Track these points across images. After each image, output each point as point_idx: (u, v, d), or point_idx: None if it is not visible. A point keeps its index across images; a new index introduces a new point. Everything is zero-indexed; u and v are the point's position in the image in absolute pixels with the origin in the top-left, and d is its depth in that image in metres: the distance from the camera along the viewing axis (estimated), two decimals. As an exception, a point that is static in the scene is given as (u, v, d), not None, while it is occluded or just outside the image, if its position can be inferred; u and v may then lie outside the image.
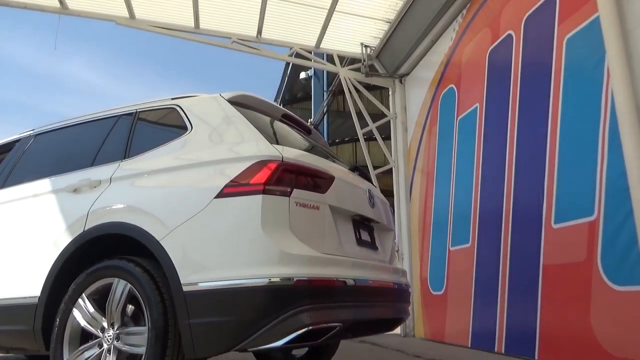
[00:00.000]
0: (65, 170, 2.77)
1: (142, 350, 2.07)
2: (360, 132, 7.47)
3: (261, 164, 2.15)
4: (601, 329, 3.30)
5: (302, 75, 14.94)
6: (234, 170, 2.17)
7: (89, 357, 2.20)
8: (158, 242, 2.14)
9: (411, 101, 7.03)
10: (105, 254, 2.34)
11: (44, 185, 2.78)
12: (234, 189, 2.12)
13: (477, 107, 5.16)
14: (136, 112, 2.82)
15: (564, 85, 3.86)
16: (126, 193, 2.42)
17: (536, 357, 3.87)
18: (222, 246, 2.07)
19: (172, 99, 2.74)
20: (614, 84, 3.19)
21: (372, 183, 3.07)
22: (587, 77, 3.62)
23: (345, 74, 7.32)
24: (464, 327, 4.97)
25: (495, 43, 4.91)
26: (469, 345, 4.88)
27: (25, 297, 2.48)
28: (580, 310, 3.46)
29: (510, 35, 4.65)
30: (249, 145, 2.29)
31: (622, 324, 3.14)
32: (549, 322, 3.81)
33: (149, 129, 2.78)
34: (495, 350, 4.41)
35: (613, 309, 3.21)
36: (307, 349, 3.37)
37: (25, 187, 2.88)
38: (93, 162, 2.71)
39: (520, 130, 4.40)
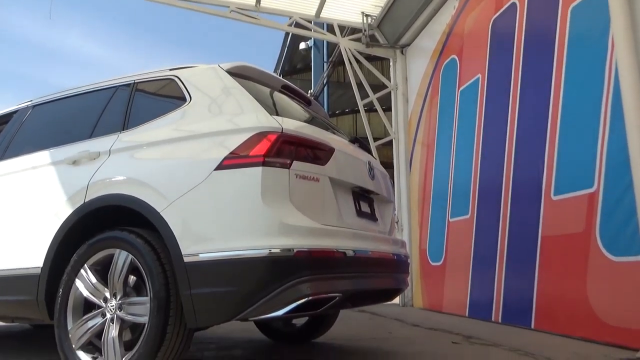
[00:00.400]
0: (63, 141, 2.76)
1: (144, 319, 2.10)
2: (360, 104, 7.41)
3: (261, 135, 2.13)
4: (597, 299, 3.35)
5: (302, 45, 14.74)
6: (234, 142, 2.15)
7: (92, 327, 2.24)
8: (159, 213, 2.15)
9: (412, 72, 6.95)
10: (107, 225, 2.35)
11: (43, 157, 2.77)
12: (233, 160, 2.11)
13: (479, 78, 5.11)
14: (134, 83, 2.78)
15: (568, 56, 3.81)
16: (126, 165, 2.42)
17: (532, 326, 3.94)
18: (223, 218, 2.08)
19: (170, 69, 2.71)
20: (618, 54, 3.15)
21: (372, 155, 3.06)
22: (591, 47, 3.56)
23: (346, 44, 7.21)
24: (462, 297, 5.05)
25: (499, 12, 4.82)
26: (466, 315, 4.96)
27: (28, 268, 2.51)
28: (577, 280, 3.50)
29: (514, 4, 4.56)
30: (249, 116, 2.27)
31: (618, 293, 3.18)
32: (546, 292, 3.86)
33: (147, 100, 2.75)
34: (492, 319, 4.48)
35: (609, 280, 3.25)
36: (307, 318, 3.43)
37: (24, 159, 2.87)
38: (92, 134, 2.69)
39: (522, 102, 4.37)
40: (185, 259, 2.04)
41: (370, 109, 7.66)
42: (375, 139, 7.34)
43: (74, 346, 2.24)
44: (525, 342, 3.35)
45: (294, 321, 3.52)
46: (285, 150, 2.14)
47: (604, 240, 3.30)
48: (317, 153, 2.30)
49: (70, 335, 2.26)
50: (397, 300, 6.48)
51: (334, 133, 2.78)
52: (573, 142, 3.69)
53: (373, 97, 7.30)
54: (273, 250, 1.97)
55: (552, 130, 3.89)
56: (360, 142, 3.02)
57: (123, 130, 2.58)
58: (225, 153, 2.14)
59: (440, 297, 5.69)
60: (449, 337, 3.65)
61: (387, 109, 7.34)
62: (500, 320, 4.39)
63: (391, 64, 7.30)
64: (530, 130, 4.20)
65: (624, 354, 2.87)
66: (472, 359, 2.90)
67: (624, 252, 3.14)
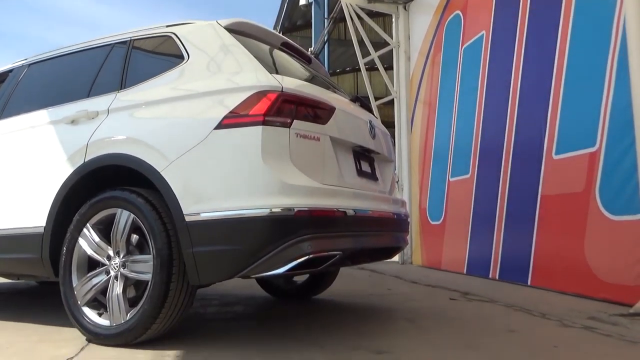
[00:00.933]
0: (61, 101, 2.72)
1: (148, 277, 2.13)
2: (361, 62, 7.29)
3: (260, 94, 2.10)
4: (593, 257, 3.40)
5: (302, 1, 14.33)
6: (233, 101, 2.13)
7: (97, 284, 2.28)
8: (159, 173, 2.15)
9: (415, 29, 6.80)
10: (107, 184, 2.36)
11: (40, 116, 2.74)
12: (233, 120, 2.09)
13: (483, 34, 5.00)
14: (130, 40, 2.72)
15: (575, 12, 3.71)
16: (125, 124, 2.40)
17: (529, 283, 4.01)
18: (223, 177, 2.08)
19: (167, 26, 2.64)
20: (627, 11, 3.06)
21: (373, 114, 3.03)
22: (599, 4, 3.47)
23: (347, 0, 7.02)
24: (461, 255, 5.12)
25: (505, -35, 4.66)
26: (465, 272, 5.05)
27: (31, 227, 2.53)
28: (575, 238, 3.54)
29: (521, -43, 4.40)
30: (248, 75, 2.23)
31: (614, 251, 3.23)
32: (544, 250, 3.91)
33: (144, 58, 2.70)
34: (490, 276, 4.56)
35: (607, 238, 3.29)
36: (307, 275, 3.49)
37: (21, 119, 2.85)
38: (89, 93, 2.66)
39: (527, 60, 4.29)
40: (187, 219, 2.06)
41: (371, 67, 7.55)
42: (376, 98, 7.26)
43: (79, 302, 2.28)
44: (521, 298, 3.42)
45: (295, 278, 3.59)
46: (285, 109, 2.11)
47: (604, 200, 3.31)
48: (318, 112, 2.28)
49: (75, 292, 2.30)
50: (396, 258, 6.58)
51: (335, 92, 2.74)
52: (577, 101, 3.65)
53: (374, 55, 7.16)
54: (274, 210, 1.98)
55: (556, 89, 3.84)
56: (362, 101, 2.98)
57: (121, 89, 2.55)
58: (225, 112, 2.11)
59: (439, 255, 5.78)
60: (447, 294, 3.73)
61: (389, 67, 7.22)
62: (497, 278, 4.47)
63: (393, 20, 7.13)
64: (534, 89, 4.14)
65: (617, 309, 2.94)
66: (469, 315, 2.97)
67: (622, 211, 3.16)
